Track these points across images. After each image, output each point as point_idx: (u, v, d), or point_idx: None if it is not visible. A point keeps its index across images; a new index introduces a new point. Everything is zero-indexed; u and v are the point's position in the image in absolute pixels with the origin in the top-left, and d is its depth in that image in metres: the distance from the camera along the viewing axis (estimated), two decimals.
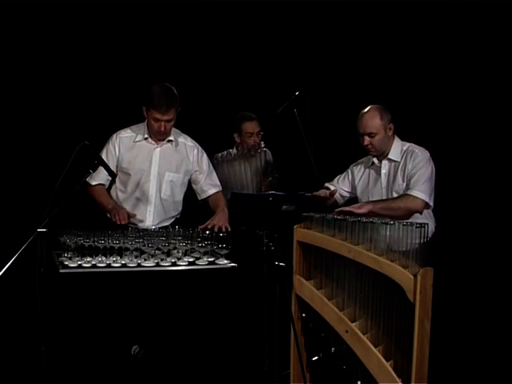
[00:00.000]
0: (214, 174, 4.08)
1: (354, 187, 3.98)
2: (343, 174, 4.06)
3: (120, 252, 3.32)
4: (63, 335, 3.11)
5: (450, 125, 4.71)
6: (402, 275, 2.77)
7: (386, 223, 2.93)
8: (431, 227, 3.73)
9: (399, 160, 3.76)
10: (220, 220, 3.71)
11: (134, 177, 3.87)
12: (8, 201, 4.60)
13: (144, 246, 3.32)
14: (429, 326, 2.81)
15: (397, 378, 2.79)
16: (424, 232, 2.82)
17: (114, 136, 3.91)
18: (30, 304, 2.94)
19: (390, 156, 3.79)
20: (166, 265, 3.28)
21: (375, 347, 2.87)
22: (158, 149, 3.90)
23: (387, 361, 2.83)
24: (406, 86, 4.83)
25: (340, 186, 4.02)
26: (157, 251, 3.37)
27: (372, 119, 3.72)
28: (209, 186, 4.01)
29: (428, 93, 4.84)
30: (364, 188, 3.92)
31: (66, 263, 3.20)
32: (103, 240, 3.29)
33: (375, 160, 3.85)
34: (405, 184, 3.70)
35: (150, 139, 3.88)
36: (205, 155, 4.05)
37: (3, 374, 3.70)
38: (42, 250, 2.88)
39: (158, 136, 3.85)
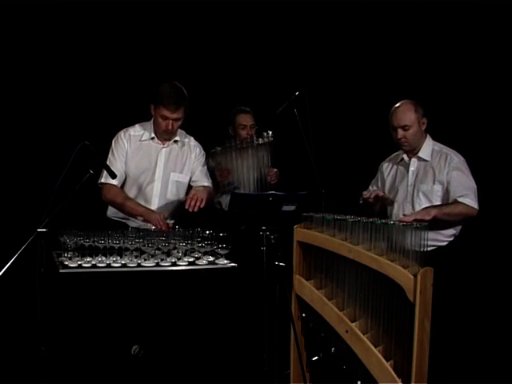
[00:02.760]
0: (208, 173, 4.08)
1: (383, 184, 3.96)
2: (375, 178, 4.04)
3: (120, 252, 3.32)
4: (63, 335, 3.10)
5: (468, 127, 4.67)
6: (402, 275, 2.77)
7: (386, 223, 2.93)
8: (457, 230, 3.73)
9: (429, 160, 3.73)
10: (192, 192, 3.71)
11: (139, 177, 3.84)
12: (8, 201, 4.60)
13: (144, 246, 3.32)
14: (429, 326, 2.81)
15: (397, 378, 2.79)
16: (424, 232, 2.83)
17: (122, 133, 3.87)
18: (30, 304, 2.93)
19: (420, 154, 3.76)
20: (166, 265, 3.28)
21: (375, 347, 2.87)
22: (164, 149, 3.88)
23: (387, 361, 2.83)
24: (407, 85, 4.82)
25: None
26: (157, 251, 3.37)
27: (407, 112, 3.69)
28: (202, 178, 3.98)
29: (427, 93, 4.84)
30: (391, 184, 3.90)
31: (66, 263, 3.19)
32: (103, 240, 3.29)
33: (405, 156, 3.82)
34: (436, 187, 3.66)
35: (156, 139, 3.87)
36: (204, 155, 4.06)
37: (3, 374, 3.70)
38: (42, 250, 2.88)
39: (165, 135, 3.83)
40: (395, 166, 3.91)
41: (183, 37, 5.05)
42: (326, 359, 3.16)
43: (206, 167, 4.07)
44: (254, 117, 4.55)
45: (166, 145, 3.88)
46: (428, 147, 3.76)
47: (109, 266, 3.21)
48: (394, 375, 2.80)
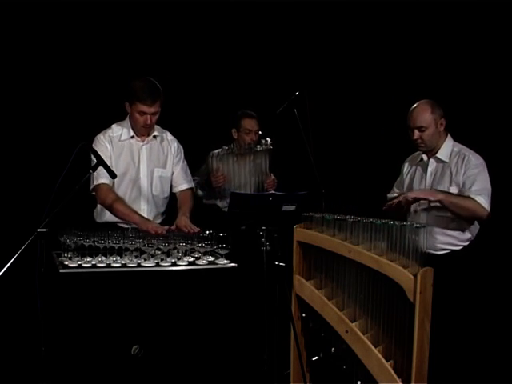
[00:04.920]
0: (188, 169, 4.06)
1: (403, 184, 3.91)
2: (398, 178, 3.98)
3: (120, 252, 3.32)
4: (63, 335, 3.10)
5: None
6: (402, 275, 2.77)
7: (386, 223, 2.93)
8: (473, 234, 3.70)
9: (447, 161, 3.68)
10: (181, 223, 3.66)
11: (125, 177, 3.81)
12: (8, 201, 4.60)
13: (144, 246, 3.32)
14: (429, 326, 2.81)
15: (397, 378, 2.79)
16: (424, 232, 2.83)
17: (102, 135, 3.82)
18: (30, 304, 2.93)
19: (438, 155, 3.70)
20: (166, 265, 3.28)
21: (375, 347, 2.87)
22: (145, 146, 3.87)
23: (387, 361, 2.83)
24: (407, 85, 4.83)
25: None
26: (157, 251, 3.37)
27: (422, 113, 3.63)
28: (182, 179, 3.98)
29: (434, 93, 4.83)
30: (409, 183, 3.85)
31: (66, 263, 3.20)
32: (103, 240, 3.29)
33: (424, 156, 3.77)
34: (453, 189, 3.61)
35: (135, 137, 3.85)
36: (182, 149, 4.03)
37: (3, 374, 3.71)
38: (42, 250, 2.88)
39: (143, 131, 3.82)
40: (414, 166, 3.86)
41: (182, 37, 5.05)
42: (326, 359, 3.16)
43: (185, 163, 4.04)
44: (258, 122, 4.53)
45: (145, 141, 3.87)
46: (447, 148, 3.70)
47: (109, 266, 3.21)
48: (394, 375, 2.80)
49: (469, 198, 3.55)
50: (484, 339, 4.10)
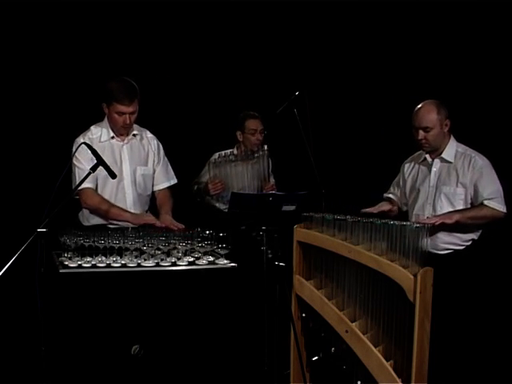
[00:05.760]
0: (169, 166, 4.04)
1: (404, 184, 3.92)
2: (396, 178, 3.99)
3: (120, 252, 3.32)
4: (63, 335, 3.10)
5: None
6: (402, 275, 2.77)
7: (386, 223, 2.93)
8: (477, 235, 3.71)
9: (452, 161, 3.68)
10: (165, 221, 3.68)
11: (108, 178, 3.64)
12: (8, 201, 4.60)
13: (144, 246, 3.32)
14: (429, 326, 2.81)
15: (397, 378, 2.80)
16: (424, 232, 2.83)
17: (81, 138, 3.75)
18: (30, 304, 2.94)
19: (443, 155, 3.70)
20: (166, 265, 3.28)
21: (375, 347, 2.87)
22: (125, 146, 3.85)
23: (387, 361, 2.84)
24: (407, 85, 4.83)
25: (397, 193, 3.96)
26: (157, 251, 3.37)
27: (428, 113, 3.63)
28: (163, 177, 3.97)
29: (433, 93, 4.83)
30: (412, 184, 3.85)
31: (66, 263, 3.19)
32: (103, 240, 3.29)
33: (427, 157, 3.76)
34: (459, 190, 3.63)
35: (115, 137, 3.83)
36: (161, 146, 4.01)
37: (3, 374, 3.71)
38: (42, 250, 2.88)
39: (122, 130, 3.80)
40: (417, 166, 3.85)
41: (182, 40, 5.05)
42: (326, 359, 3.17)
43: (165, 160, 4.01)
44: (262, 121, 4.52)
45: (126, 141, 3.85)
46: (451, 148, 3.70)
47: (109, 266, 3.21)
48: (394, 375, 2.80)
49: (482, 205, 3.57)
50: (485, 339, 4.10)
